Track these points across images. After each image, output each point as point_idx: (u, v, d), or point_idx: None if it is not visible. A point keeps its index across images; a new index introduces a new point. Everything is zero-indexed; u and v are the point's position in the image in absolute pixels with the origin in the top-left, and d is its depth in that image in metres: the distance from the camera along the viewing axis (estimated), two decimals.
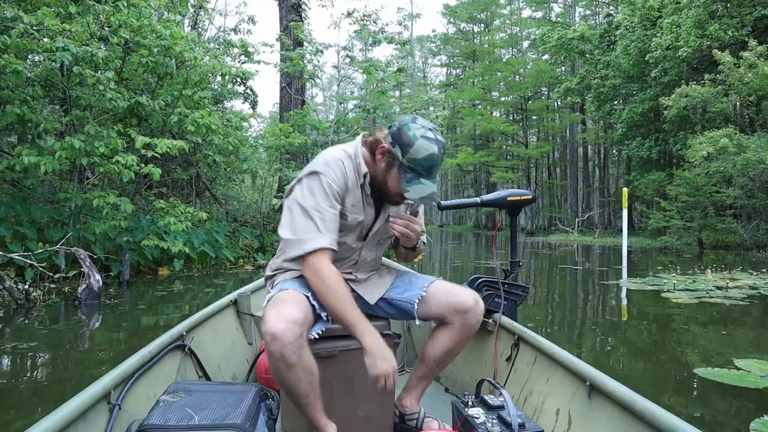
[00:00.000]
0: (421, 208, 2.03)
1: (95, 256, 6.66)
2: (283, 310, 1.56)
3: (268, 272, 1.96)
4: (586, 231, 27.20)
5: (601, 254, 15.15)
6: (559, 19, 40.55)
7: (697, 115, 18.33)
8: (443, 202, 2.59)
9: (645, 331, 4.89)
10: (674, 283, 7.44)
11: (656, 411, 1.37)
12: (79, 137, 6.64)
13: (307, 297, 1.67)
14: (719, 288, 7.10)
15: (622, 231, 10.71)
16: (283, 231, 1.71)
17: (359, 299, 1.90)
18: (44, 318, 4.94)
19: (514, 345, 2.23)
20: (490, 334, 2.36)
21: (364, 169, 1.78)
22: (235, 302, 2.84)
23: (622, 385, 1.55)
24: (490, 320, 2.37)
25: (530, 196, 2.59)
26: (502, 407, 1.69)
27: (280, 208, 10.26)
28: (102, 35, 7.49)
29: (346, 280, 1.87)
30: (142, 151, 7.13)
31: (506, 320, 2.33)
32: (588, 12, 39.97)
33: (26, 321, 4.83)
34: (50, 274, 6.18)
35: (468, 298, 1.88)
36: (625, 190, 10.34)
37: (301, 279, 1.77)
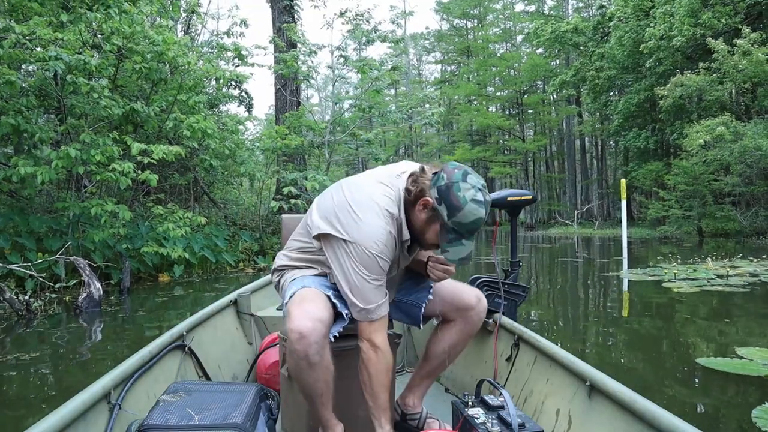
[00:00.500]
0: None
1: (95, 265, 6.65)
2: (310, 309, 1.56)
3: (279, 263, 1.91)
4: (586, 223, 27.22)
5: (601, 246, 15.16)
6: (552, 12, 40.53)
7: (692, 104, 18.35)
8: None
9: (647, 322, 4.89)
10: (675, 273, 7.45)
11: (656, 411, 1.37)
12: (74, 146, 6.62)
13: (329, 296, 1.67)
14: (720, 276, 7.10)
15: (621, 222, 10.71)
16: (351, 296, 1.64)
17: None
18: (46, 328, 4.93)
19: (514, 345, 2.23)
20: (490, 334, 2.36)
21: (407, 235, 1.70)
22: (235, 302, 2.84)
23: (622, 385, 1.56)
24: (490, 320, 2.38)
25: (530, 196, 2.62)
26: (502, 407, 1.69)
27: (279, 210, 10.17)
28: (94, 43, 7.48)
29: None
30: (139, 158, 7.12)
31: (506, 320, 2.33)
32: (581, 4, 39.94)
33: (27, 331, 4.83)
34: (50, 284, 6.17)
35: (471, 296, 1.91)
36: (623, 181, 10.33)
37: (321, 277, 1.78)
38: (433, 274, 1.83)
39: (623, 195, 10.17)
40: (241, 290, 2.92)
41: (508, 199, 2.58)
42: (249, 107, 15.65)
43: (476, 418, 1.67)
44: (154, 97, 8.66)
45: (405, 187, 1.69)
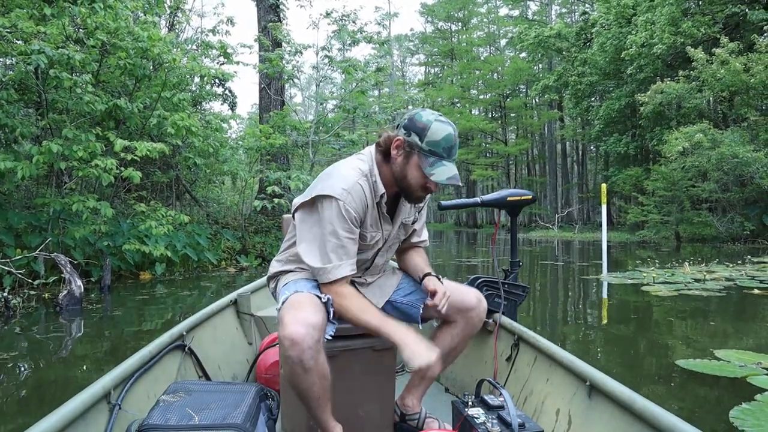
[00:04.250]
0: (424, 210, 2.03)
1: (75, 262, 6.56)
2: (302, 315, 1.55)
3: (273, 271, 1.93)
4: (566, 227, 27.49)
5: (582, 250, 15.33)
6: (535, 17, 40.91)
7: (672, 111, 18.64)
8: (443, 203, 2.61)
9: (626, 325, 4.97)
10: (654, 277, 7.57)
11: (656, 411, 1.38)
12: (56, 141, 6.54)
13: (320, 298, 1.67)
14: (697, 280, 7.23)
15: (601, 226, 10.84)
16: (307, 256, 1.71)
17: None
18: (25, 325, 4.87)
19: (514, 345, 2.23)
20: (490, 334, 2.36)
21: (381, 189, 1.75)
22: (235, 302, 2.84)
23: (622, 385, 1.56)
24: (490, 320, 2.37)
25: (530, 196, 2.60)
26: (502, 407, 1.69)
27: (262, 209, 10.14)
28: (77, 38, 7.38)
29: (355, 283, 1.88)
30: (122, 155, 7.05)
31: (506, 320, 2.33)
32: (564, 10, 40.41)
33: (5, 328, 4.76)
34: (29, 280, 6.08)
35: (471, 297, 1.90)
36: (603, 185, 10.45)
37: (314, 281, 1.77)
38: (437, 311, 1.80)
39: (603, 199, 10.29)
40: (241, 290, 2.92)
41: (508, 199, 2.56)
42: (232, 105, 15.54)
43: (476, 418, 1.67)
44: (138, 93, 8.57)
45: (376, 149, 1.79)
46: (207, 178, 12.37)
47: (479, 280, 2.44)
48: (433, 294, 1.78)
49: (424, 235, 2.06)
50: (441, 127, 1.66)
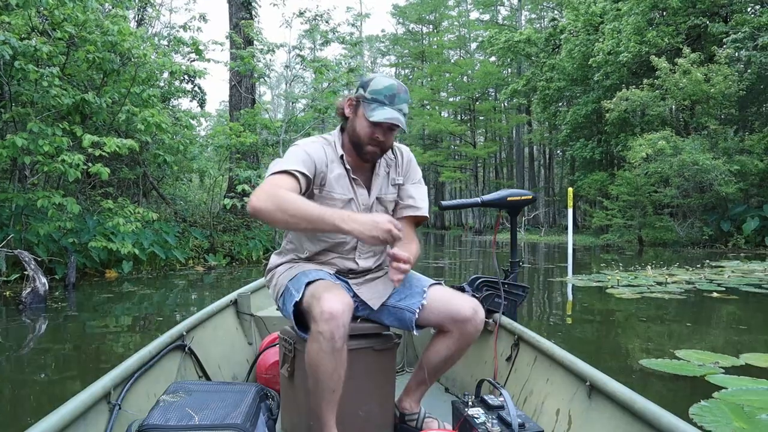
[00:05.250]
0: (417, 185, 2.01)
1: (39, 259, 6.42)
2: (338, 293, 1.57)
3: (272, 264, 1.95)
4: (532, 230, 27.89)
5: (548, 252, 15.59)
6: (505, 21, 41.41)
7: (636, 118, 19.10)
8: (443, 203, 2.61)
9: (591, 325, 5.10)
10: (617, 280, 7.76)
11: (656, 411, 1.38)
12: (21, 135, 6.38)
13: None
14: (659, 283, 7.44)
15: (567, 229, 11.04)
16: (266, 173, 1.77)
17: (363, 305, 1.88)
18: None
19: (514, 345, 2.23)
20: (490, 334, 2.35)
21: (340, 150, 1.87)
22: (235, 302, 2.83)
23: (622, 385, 1.56)
24: (490, 320, 2.36)
25: (530, 196, 2.59)
26: (502, 407, 1.69)
27: (232, 208, 10.05)
28: (43, 29, 7.21)
29: (349, 283, 1.90)
30: (90, 150, 6.91)
31: (506, 320, 2.32)
32: (534, 16, 40.99)
33: None
34: None
35: (466, 307, 1.81)
36: (570, 189, 10.66)
37: (327, 273, 1.81)
38: (390, 273, 1.71)
39: (570, 203, 10.49)
40: (241, 290, 2.91)
41: (508, 199, 2.55)
42: (202, 103, 15.35)
43: (476, 418, 1.67)
44: (106, 88, 8.42)
45: (340, 129, 1.94)
46: (175, 175, 12.20)
47: (479, 280, 2.43)
48: (393, 258, 1.69)
49: (420, 205, 2.00)
50: (383, 79, 1.81)
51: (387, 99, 1.77)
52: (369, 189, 1.92)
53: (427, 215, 2.03)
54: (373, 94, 1.78)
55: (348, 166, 1.86)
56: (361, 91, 1.82)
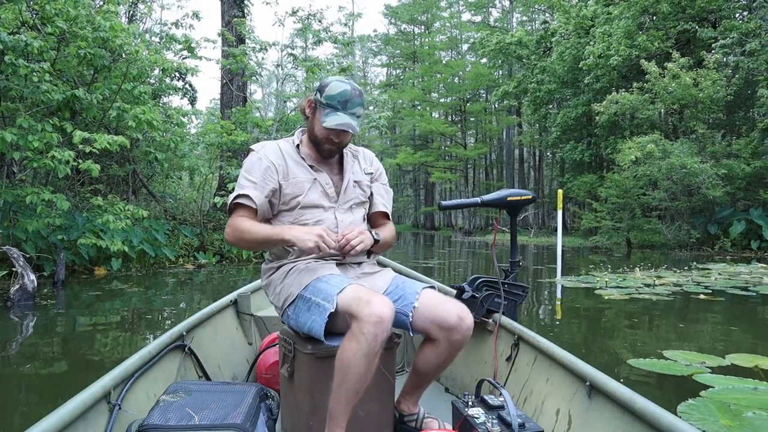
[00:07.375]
0: (383, 188, 2.13)
1: (27, 255, 6.37)
2: (385, 299, 1.60)
3: (269, 267, 1.95)
4: (522, 231, 27.99)
5: (537, 253, 15.67)
6: (497, 23, 41.55)
7: (626, 121, 19.22)
8: (443, 203, 2.59)
9: (580, 326, 5.15)
10: (606, 281, 7.82)
11: (656, 411, 1.38)
12: (10, 130, 6.33)
13: None
14: (647, 285, 7.51)
15: (556, 231, 11.10)
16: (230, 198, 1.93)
17: None
18: None
19: (514, 345, 2.23)
20: (490, 334, 2.35)
21: (297, 141, 1.99)
22: (235, 302, 2.83)
23: (622, 385, 1.56)
24: (490, 320, 2.37)
25: (530, 196, 2.58)
26: (502, 407, 1.69)
27: (222, 206, 10.09)
28: (33, 24, 7.16)
29: (336, 260, 1.91)
30: (80, 147, 6.87)
31: (506, 320, 2.33)
32: (525, 18, 41.14)
33: None
34: None
35: (452, 314, 1.78)
36: (560, 191, 10.71)
37: (338, 275, 1.82)
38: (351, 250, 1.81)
39: (559, 205, 10.54)
40: (241, 290, 2.91)
41: (508, 199, 2.55)
42: (192, 100, 15.30)
43: (476, 417, 1.67)
44: (97, 84, 8.37)
45: (301, 130, 2.05)
46: (165, 173, 12.14)
47: (479, 280, 2.43)
48: (343, 236, 1.81)
49: (387, 206, 2.12)
50: (338, 85, 1.87)
51: (340, 105, 1.85)
52: (341, 174, 2.02)
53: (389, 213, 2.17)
54: (327, 99, 1.86)
55: (302, 156, 1.97)
56: (318, 95, 1.90)
